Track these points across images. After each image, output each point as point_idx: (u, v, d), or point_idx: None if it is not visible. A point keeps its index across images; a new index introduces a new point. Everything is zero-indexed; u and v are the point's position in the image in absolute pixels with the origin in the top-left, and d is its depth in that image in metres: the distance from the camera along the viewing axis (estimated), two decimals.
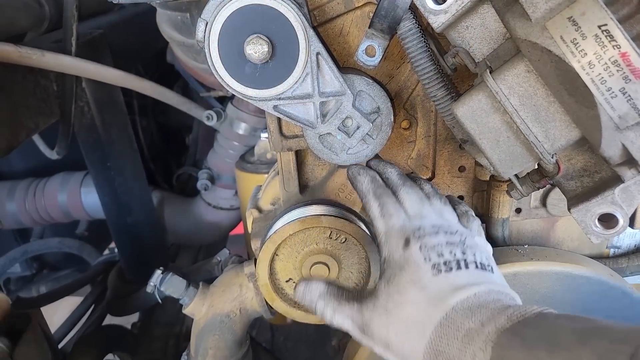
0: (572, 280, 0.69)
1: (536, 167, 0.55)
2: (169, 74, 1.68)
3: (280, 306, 0.73)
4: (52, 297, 1.34)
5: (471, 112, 0.47)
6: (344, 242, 0.70)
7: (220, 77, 0.55)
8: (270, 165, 1.16)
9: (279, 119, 0.69)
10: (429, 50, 0.53)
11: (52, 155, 1.27)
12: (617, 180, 0.47)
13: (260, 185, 0.93)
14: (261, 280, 0.71)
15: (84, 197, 1.59)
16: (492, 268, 0.48)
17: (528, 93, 0.43)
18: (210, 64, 0.54)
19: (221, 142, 1.38)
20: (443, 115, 0.55)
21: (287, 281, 0.73)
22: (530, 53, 0.42)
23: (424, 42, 0.53)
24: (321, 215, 0.68)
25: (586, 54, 0.38)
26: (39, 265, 1.88)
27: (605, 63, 0.38)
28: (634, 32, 0.37)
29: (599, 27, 0.37)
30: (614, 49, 0.37)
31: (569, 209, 0.51)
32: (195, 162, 1.82)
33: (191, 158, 1.82)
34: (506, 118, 0.45)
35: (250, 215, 0.85)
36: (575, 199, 0.51)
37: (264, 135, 0.77)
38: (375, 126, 0.59)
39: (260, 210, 0.86)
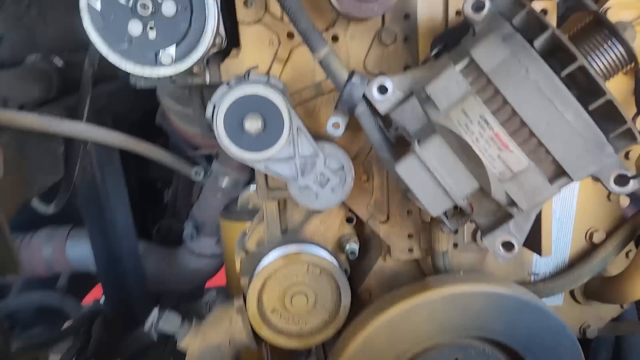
0: (498, 298, 0.87)
1: (460, 210, 0.75)
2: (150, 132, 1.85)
3: (266, 334, 0.87)
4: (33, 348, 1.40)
5: (406, 170, 0.66)
6: (319, 274, 0.87)
7: (225, 146, 0.73)
8: (252, 214, 1.32)
9: (265, 175, 0.87)
10: (378, 125, 0.74)
11: (48, 210, 1.39)
12: (509, 216, 0.68)
13: (245, 231, 1.09)
14: (251, 310, 0.86)
15: (69, 250, 1.68)
16: None
17: (442, 157, 0.64)
18: (217, 135, 0.73)
19: (207, 194, 1.54)
20: (390, 172, 0.75)
21: (272, 311, 0.88)
22: (441, 131, 0.62)
23: (374, 120, 0.73)
24: (300, 253, 0.84)
25: (473, 132, 0.59)
26: (9, 323, 1.88)
27: (486, 139, 0.59)
28: (501, 119, 0.58)
29: (480, 116, 0.59)
30: (490, 130, 0.58)
31: (481, 239, 0.70)
32: (175, 213, 1.96)
33: (171, 210, 1.95)
34: (430, 174, 0.65)
35: (239, 257, 1.00)
36: (485, 231, 0.71)
37: (252, 187, 0.93)
38: (340, 180, 0.78)
39: (247, 251, 1.01)
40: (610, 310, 1.08)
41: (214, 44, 0.70)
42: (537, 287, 1.00)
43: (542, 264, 1.03)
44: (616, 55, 0.61)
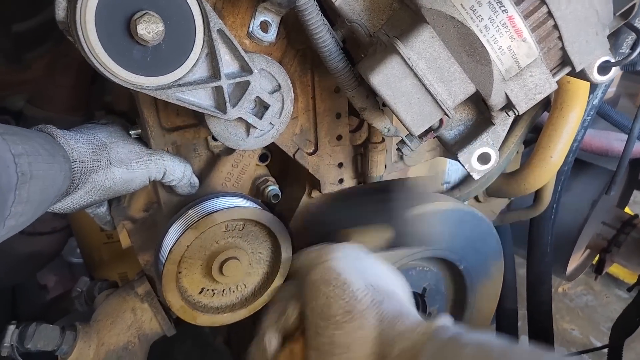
0: (444, 214, 0.82)
1: None
2: None
3: (204, 320, 0.66)
4: None
5: (386, 79, 0.50)
6: (242, 228, 0.67)
7: (104, 66, 0.44)
8: None
9: (157, 110, 0.60)
10: (326, 24, 0.54)
11: None
12: (487, 124, 0.58)
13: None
14: (175, 305, 0.62)
15: None
16: None
17: (433, 57, 0.49)
18: (86, 50, 0.43)
19: None
20: (344, 86, 0.57)
21: (200, 292, 0.66)
22: (435, 20, 0.47)
23: (321, 15, 0.53)
24: (212, 212, 0.62)
25: (482, 18, 0.45)
26: None
27: (497, 25, 0.46)
28: None
29: None
30: (503, 13, 0.45)
31: (455, 154, 0.60)
32: None
33: None
34: (416, 81, 0.50)
35: (123, 228, 0.72)
36: (457, 146, 0.61)
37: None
38: (280, 105, 0.57)
39: (133, 220, 0.74)
40: (499, 205, 1.16)
41: None
42: (454, 195, 0.99)
43: (453, 171, 1.02)
44: None
